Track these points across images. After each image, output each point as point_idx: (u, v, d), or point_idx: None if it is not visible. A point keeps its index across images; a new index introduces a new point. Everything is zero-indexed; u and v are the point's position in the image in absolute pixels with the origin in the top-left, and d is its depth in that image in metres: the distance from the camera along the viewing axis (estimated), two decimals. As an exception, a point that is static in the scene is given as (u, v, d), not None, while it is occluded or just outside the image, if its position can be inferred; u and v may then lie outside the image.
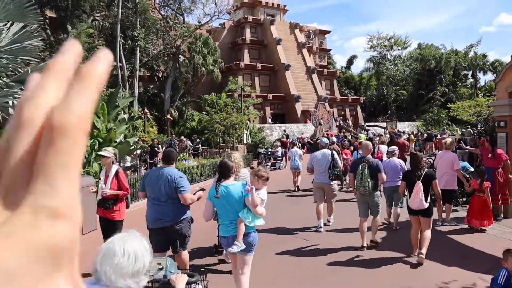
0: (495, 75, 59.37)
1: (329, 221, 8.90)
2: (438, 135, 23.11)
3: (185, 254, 5.50)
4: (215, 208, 4.86)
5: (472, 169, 10.75)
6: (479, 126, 21.60)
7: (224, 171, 4.72)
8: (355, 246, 7.32)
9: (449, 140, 9.42)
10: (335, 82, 49.58)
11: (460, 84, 59.39)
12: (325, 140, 9.49)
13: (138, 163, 16.39)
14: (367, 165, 6.99)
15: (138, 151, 16.07)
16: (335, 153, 8.93)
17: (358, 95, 54.93)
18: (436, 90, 52.50)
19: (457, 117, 22.50)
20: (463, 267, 6.34)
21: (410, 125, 45.65)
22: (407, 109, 54.77)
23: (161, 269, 2.75)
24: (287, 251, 7.25)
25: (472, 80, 60.58)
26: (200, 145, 22.74)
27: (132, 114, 14.38)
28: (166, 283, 2.65)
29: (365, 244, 7.17)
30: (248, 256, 4.76)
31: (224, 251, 6.21)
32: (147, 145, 17.82)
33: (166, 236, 5.29)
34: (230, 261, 5.74)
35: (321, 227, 8.45)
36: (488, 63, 58.89)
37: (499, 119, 9.53)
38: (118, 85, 14.36)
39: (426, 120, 43.76)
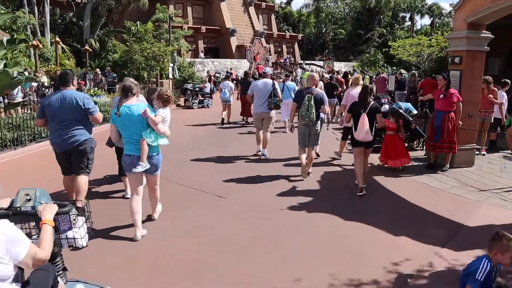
0: (431, 18, 60.11)
1: (263, 155, 8.91)
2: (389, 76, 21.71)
3: (85, 178, 5.36)
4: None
5: (415, 112, 9.71)
6: (414, 68, 20.74)
7: (125, 91, 4.75)
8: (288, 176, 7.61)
9: (356, 75, 9.74)
10: (273, 17, 47.22)
11: (398, 26, 59.55)
12: (268, 69, 9.69)
13: (35, 98, 13.70)
14: (312, 96, 7.00)
15: (35, 84, 13.37)
16: (276, 82, 9.07)
17: (296, 32, 53.20)
18: (374, 31, 52.01)
19: (397, 56, 21.39)
20: (411, 236, 4.99)
21: (346, 65, 45.00)
22: (345, 49, 54.14)
23: (29, 200, 2.47)
24: (226, 180, 7.30)
25: (410, 23, 60.86)
26: (116, 80, 19.98)
27: (17, 37, 11.45)
28: (33, 215, 2.48)
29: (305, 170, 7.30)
30: (156, 175, 5.03)
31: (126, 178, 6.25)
32: (49, 79, 14.98)
33: (70, 158, 5.33)
34: (128, 196, 5.89)
35: (259, 150, 8.97)
36: (426, 6, 59.35)
37: (453, 54, 8.16)
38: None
39: (362, 60, 43.22)
